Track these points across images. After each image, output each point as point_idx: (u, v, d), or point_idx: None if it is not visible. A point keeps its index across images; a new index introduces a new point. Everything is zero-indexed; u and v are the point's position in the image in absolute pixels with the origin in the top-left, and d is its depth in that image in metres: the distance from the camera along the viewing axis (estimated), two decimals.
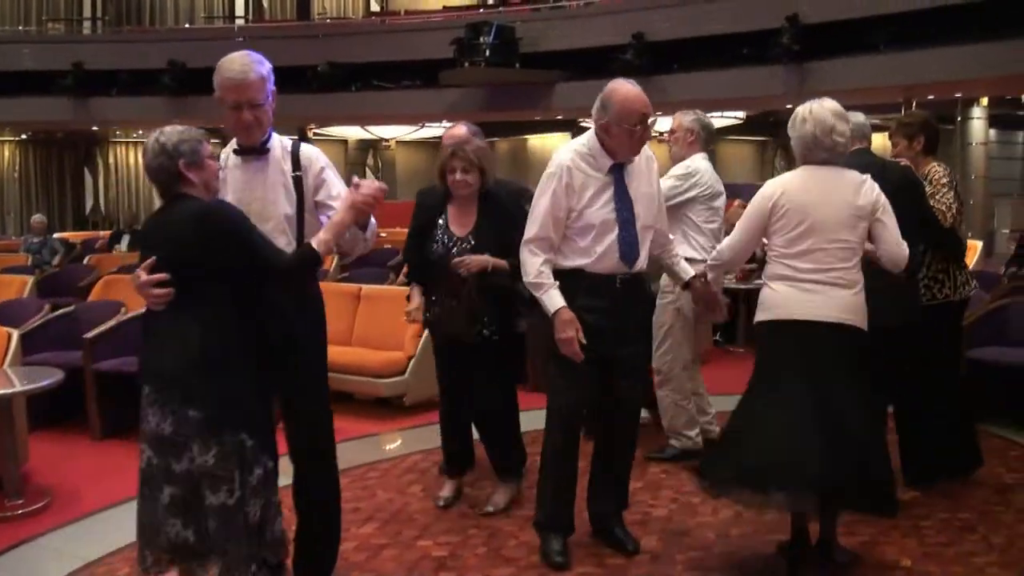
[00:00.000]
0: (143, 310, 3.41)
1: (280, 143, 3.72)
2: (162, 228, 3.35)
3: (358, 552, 4.51)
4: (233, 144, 3.71)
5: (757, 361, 4.18)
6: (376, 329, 7.49)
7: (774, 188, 4.12)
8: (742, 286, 9.01)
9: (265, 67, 3.58)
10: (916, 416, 5.24)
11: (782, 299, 4.04)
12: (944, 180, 5.18)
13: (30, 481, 5.60)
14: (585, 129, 17.66)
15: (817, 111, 4.11)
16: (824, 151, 4.09)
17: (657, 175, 4.39)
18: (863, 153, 4.94)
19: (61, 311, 7.49)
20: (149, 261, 3.27)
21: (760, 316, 4.13)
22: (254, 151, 3.65)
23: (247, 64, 3.51)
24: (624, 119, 4.05)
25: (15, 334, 6.10)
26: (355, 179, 3.56)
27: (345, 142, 26.67)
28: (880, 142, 8.30)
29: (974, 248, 12.22)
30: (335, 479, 3.99)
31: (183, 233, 3.25)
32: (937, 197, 5.11)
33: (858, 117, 5.01)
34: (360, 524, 4.86)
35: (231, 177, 3.65)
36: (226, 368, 3.28)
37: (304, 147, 3.81)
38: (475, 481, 5.39)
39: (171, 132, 3.31)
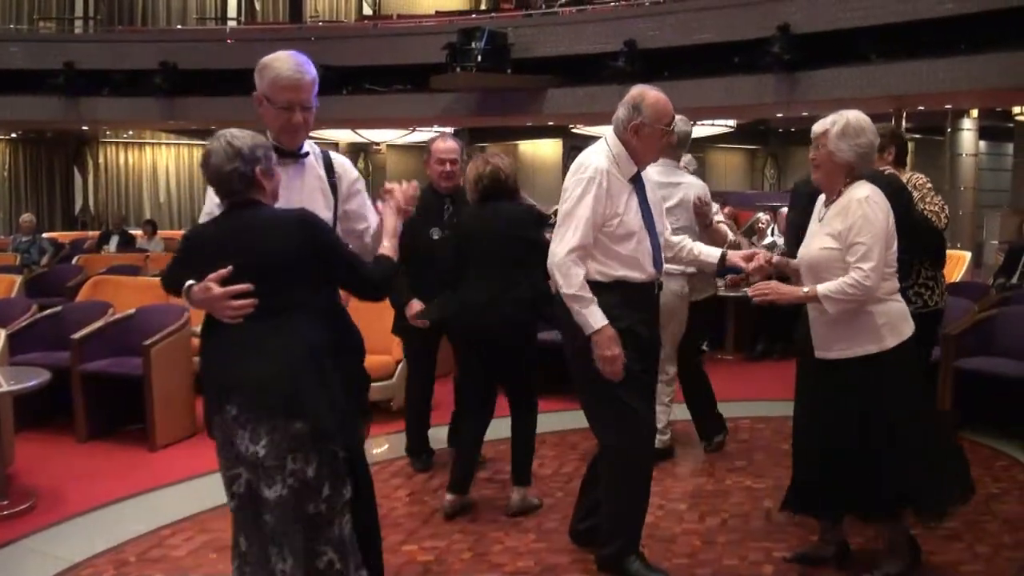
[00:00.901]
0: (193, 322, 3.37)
1: (312, 148, 3.64)
2: (243, 235, 3.16)
3: None
4: None
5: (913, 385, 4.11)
6: (364, 333, 7.43)
7: (884, 199, 4.01)
8: (731, 294, 9.03)
9: (314, 70, 3.54)
10: None
11: (904, 314, 4.06)
12: (929, 185, 5.24)
13: (15, 482, 5.57)
14: (576, 135, 17.75)
15: (869, 122, 4.05)
16: (868, 166, 4.11)
17: (655, 187, 4.38)
18: None
19: (49, 311, 7.47)
20: (223, 272, 3.10)
21: (899, 336, 3.98)
22: (293, 155, 3.51)
23: (301, 65, 3.45)
24: (658, 119, 4.07)
25: (2, 334, 6.07)
26: (387, 184, 3.60)
27: (336, 145, 26.62)
28: None
29: (963, 259, 12.25)
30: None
31: (280, 240, 3.15)
32: (928, 200, 5.14)
33: None
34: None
35: None
36: (329, 377, 3.20)
37: (334, 154, 3.78)
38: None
39: (243, 137, 3.18)
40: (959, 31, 13.39)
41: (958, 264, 11.90)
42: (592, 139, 22.72)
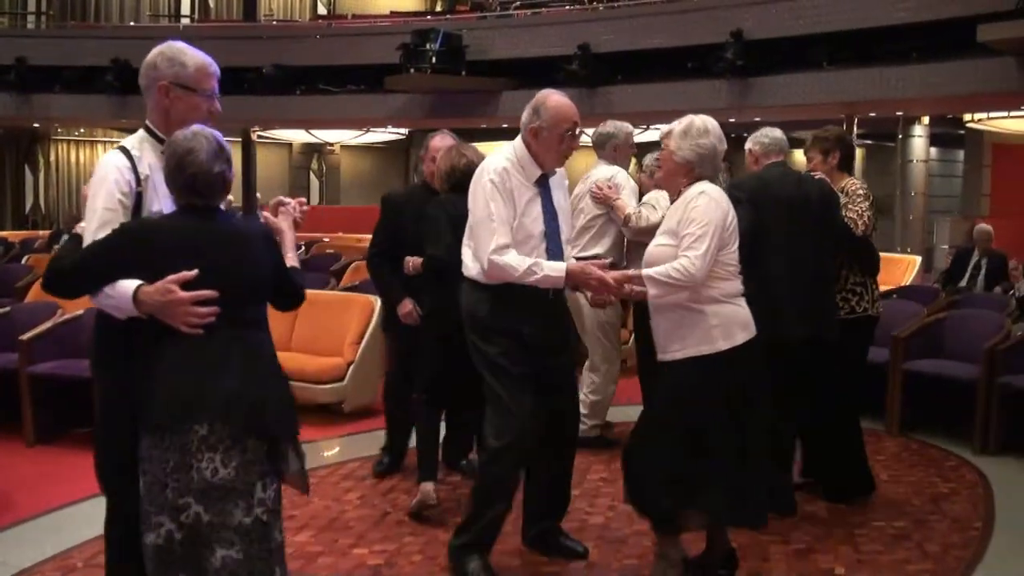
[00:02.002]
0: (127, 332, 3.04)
1: None
2: (223, 243, 3.02)
3: (292, 560, 4.44)
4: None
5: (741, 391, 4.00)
6: (316, 334, 7.43)
7: (724, 199, 3.99)
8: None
9: None
10: (828, 432, 5.29)
11: (743, 320, 3.96)
12: (860, 192, 5.25)
13: None
14: None
15: (717, 126, 4.02)
16: (713, 168, 4.04)
17: (567, 192, 4.41)
18: (779, 166, 5.09)
19: None
20: (187, 275, 2.90)
21: (731, 340, 3.88)
22: None
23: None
24: (556, 124, 4.08)
25: None
26: (280, 197, 3.53)
27: (289, 145, 26.49)
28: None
29: (913, 263, 12.42)
30: None
31: (259, 253, 3.12)
32: (850, 207, 5.17)
33: (775, 132, 5.17)
34: (295, 532, 4.81)
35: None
36: (291, 394, 3.18)
37: None
38: (409, 488, 5.36)
39: (217, 135, 3.08)
40: (911, 39, 13.59)
41: (908, 268, 12.09)
42: None
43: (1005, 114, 17.48)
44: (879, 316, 5.42)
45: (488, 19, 19.06)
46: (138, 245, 2.98)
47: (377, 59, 17.39)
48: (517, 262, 3.96)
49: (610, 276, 3.97)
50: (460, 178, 4.90)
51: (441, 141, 5.38)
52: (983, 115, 18.08)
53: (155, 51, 3.35)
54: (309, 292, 8.28)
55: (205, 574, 2.92)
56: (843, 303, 5.20)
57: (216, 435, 2.90)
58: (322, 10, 27.64)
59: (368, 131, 23.39)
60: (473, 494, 4.30)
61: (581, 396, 5.55)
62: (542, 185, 4.14)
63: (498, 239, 3.98)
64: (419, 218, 5.05)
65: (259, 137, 21.71)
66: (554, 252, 4.12)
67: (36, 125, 22.18)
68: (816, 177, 5.23)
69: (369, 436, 6.59)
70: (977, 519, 5.14)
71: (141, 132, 3.34)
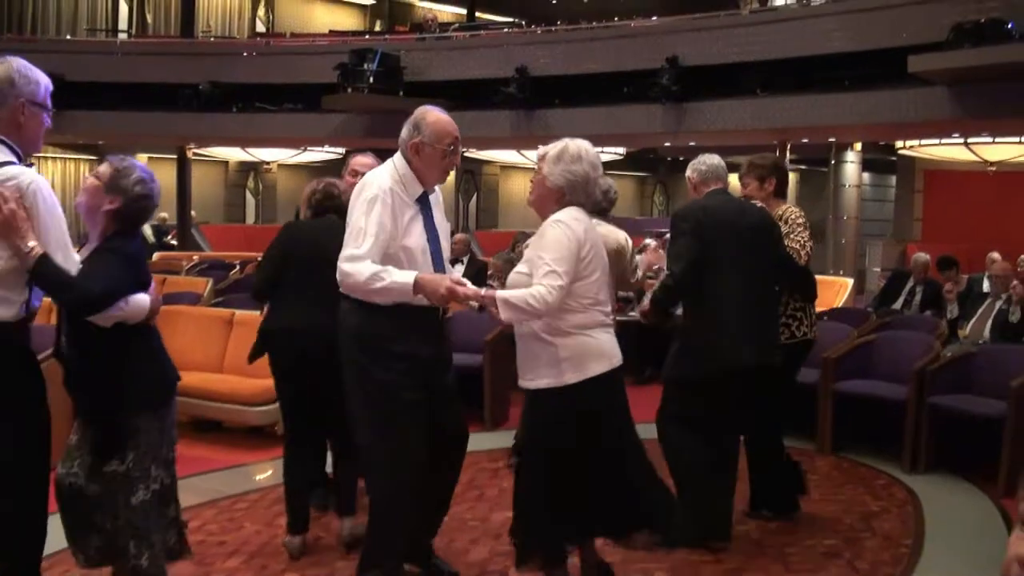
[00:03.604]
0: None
1: None
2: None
3: None
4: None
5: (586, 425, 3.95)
6: (243, 355, 7.30)
7: (581, 227, 3.88)
8: (619, 318, 9.10)
9: None
10: (768, 452, 5.35)
11: (595, 351, 3.90)
12: (800, 220, 5.29)
13: None
14: (469, 159, 17.69)
15: (594, 153, 3.98)
16: (586, 196, 3.96)
17: (443, 211, 4.29)
18: (719, 193, 5.02)
19: None
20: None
21: (582, 373, 3.83)
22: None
23: None
24: (437, 140, 4.01)
25: None
26: None
27: (226, 164, 26.25)
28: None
29: (845, 285, 12.59)
30: None
31: None
32: (792, 236, 5.19)
33: (712, 159, 5.11)
34: (225, 558, 4.74)
35: None
36: None
37: None
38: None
39: None
40: (844, 67, 13.87)
41: (840, 291, 12.24)
42: (485, 163, 22.82)
43: (936, 141, 17.85)
44: (815, 339, 5.50)
45: (427, 40, 19.06)
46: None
47: (315, 78, 17.33)
48: (364, 267, 3.83)
49: (461, 290, 3.76)
50: (321, 200, 4.94)
51: (363, 159, 5.35)
52: (915, 142, 18.45)
53: (8, 67, 3.32)
54: (240, 313, 8.24)
55: (165, 518, 3.73)
56: (784, 328, 5.23)
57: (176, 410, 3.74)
58: (260, 28, 27.52)
59: (305, 150, 23.25)
60: (369, 530, 4.14)
61: None
62: (423, 203, 4.07)
63: (354, 248, 3.87)
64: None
65: (195, 155, 21.49)
66: (439, 270, 4.03)
67: None
68: (758, 205, 5.24)
69: None
70: (907, 536, 5.21)
71: None
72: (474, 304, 3.84)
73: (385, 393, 3.94)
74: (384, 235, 3.89)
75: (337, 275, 3.92)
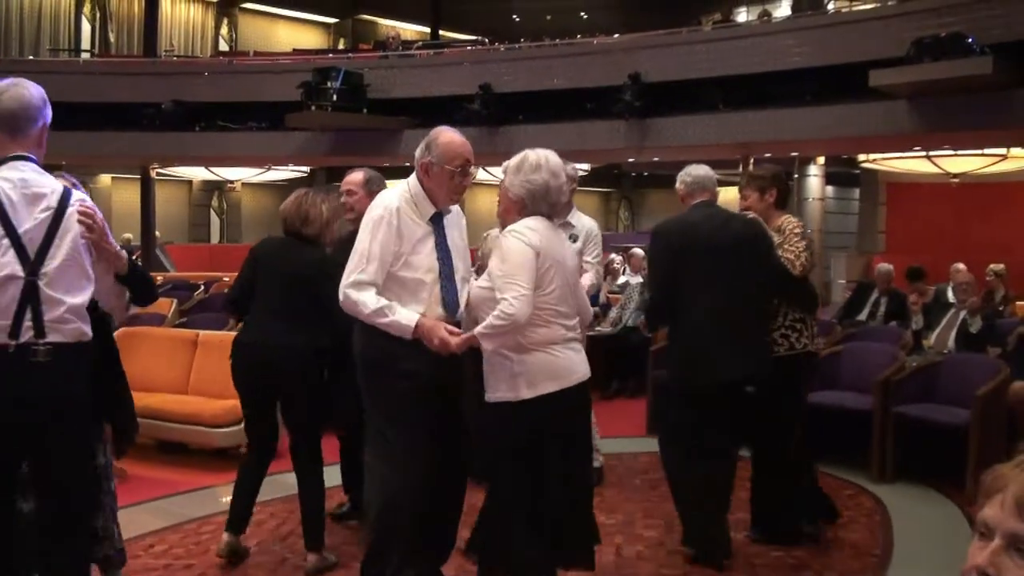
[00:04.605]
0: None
1: None
2: None
3: None
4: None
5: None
6: (213, 376, 7.26)
7: (537, 236, 3.80)
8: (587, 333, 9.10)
9: None
10: (769, 467, 5.23)
11: (552, 368, 3.82)
12: (797, 231, 5.15)
13: None
14: None
15: (555, 162, 3.91)
16: (549, 205, 3.91)
17: (466, 230, 4.28)
18: (705, 206, 4.95)
19: None
20: None
21: (535, 390, 3.76)
22: None
23: None
24: (448, 160, 3.97)
25: None
26: None
27: (190, 183, 26.13)
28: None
29: None
30: None
31: None
32: (786, 247, 5.05)
33: (699, 170, 5.03)
34: None
35: None
36: None
37: None
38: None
39: None
40: (805, 82, 13.99)
41: None
42: None
43: (899, 155, 18.02)
44: (818, 351, 5.39)
45: (390, 58, 19.08)
46: None
47: (278, 96, 17.28)
48: (370, 300, 3.83)
49: (453, 341, 3.77)
50: (282, 222, 4.99)
51: (353, 176, 5.33)
52: (878, 155, 18.62)
53: (38, 88, 3.31)
54: (204, 333, 8.17)
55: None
56: (783, 340, 5.09)
57: None
58: (224, 46, 27.51)
59: (270, 169, 23.18)
60: (371, 549, 4.09)
61: None
62: (436, 223, 4.04)
63: (359, 275, 3.87)
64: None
65: (158, 174, 21.38)
66: (448, 291, 3.99)
67: None
68: (749, 216, 5.15)
69: (268, 480, 6.45)
70: (876, 546, 5.23)
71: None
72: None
73: (389, 412, 3.94)
74: (388, 256, 3.89)
75: (340, 298, 3.90)
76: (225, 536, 4.90)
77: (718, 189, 5.15)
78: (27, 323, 3.07)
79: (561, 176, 3.92)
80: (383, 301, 3.84)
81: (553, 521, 3.82)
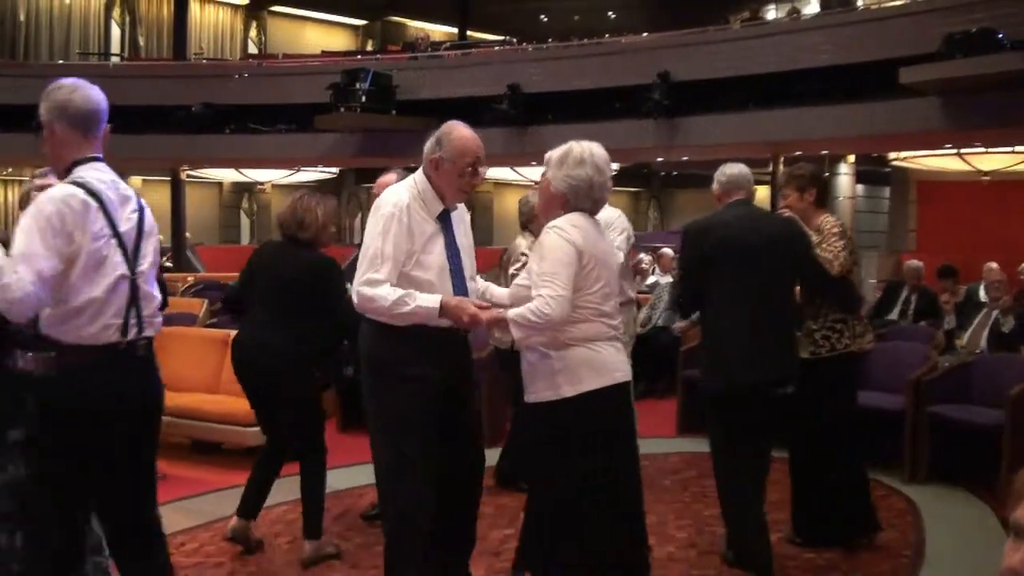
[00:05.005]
0: None
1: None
2: None
3: None
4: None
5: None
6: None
7: (581, 233, 3.69)
8: None
9: None
10: (809, 470, 5.16)
11: (594, 364, 3.70)
12: (836, 230, 5.11)
13: None
14: None
15: (600, 156, 3.80)
16: (592, 202, 3.80)
17: (470, 227, 4.23)
18: (741, 204, 4.88)
19: None
20: None
21: (577, 387, 3.65)
22: None
23: None
24: (459, 157, 3.91)
25: None
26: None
27: (220, 185, 26.28)
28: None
29: None
30: None
31: None
32: (824, 246, 5.01)
33: (734, 168, 4.95)
34: None
35: None
36: None
37: None
38: (341, 531, 5.28)
39: None
40: (834, 80, 13.89)
41: None
42: None
43: (930, 153, 17.87)
44: (864, 351, 5.30)
45: (419, 59, 19.12)
46: None
47: (307, 98, 17.34)
48: (387, 292, 3.76)
49: (484, 315, 3.73)
50: (282, 229, 5.11)
51: (385, 177, 5.38)
52: (908, 153, 18.47)
53: (100, 91, 3.46)
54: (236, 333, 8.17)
55: None
56: (824, 341, 5.05)
57: None
58: (253, 49, 27.62)
59: (299, 170, 23.28)
60: (386, 559, 4.05)
61: None
62: (444, 221, 3.98)
63: (373, 273, 3.79)
64: None
65: (188, 176, 21.50)
66: (459, 289, 3.94)
67: None
68: (785, 215, 5.12)
69: (297, 480, 6.49)
70: (907, 547, 5.21)
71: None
72: (505, 339, 3.81)
73: (396, 417, 3.88)
74: (401, 256, 3.82)
75: (355, 299, 3.86)
76: (234, 520, 5.09)
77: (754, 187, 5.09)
78: (132, 320, 3.23)
79: (606, 171, 3.79)
80: (400, 291, 3.77)
81: (600, 529, 3.68)
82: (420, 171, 4.01)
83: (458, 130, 4.00)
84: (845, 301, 5.16)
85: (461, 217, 4.11)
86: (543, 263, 3.61)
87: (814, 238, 5.05)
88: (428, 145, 3.99)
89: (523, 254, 5.84)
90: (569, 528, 3.66)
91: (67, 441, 3.13)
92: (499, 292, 4.18)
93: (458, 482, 4.05)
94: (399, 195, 3.92)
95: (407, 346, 3.83)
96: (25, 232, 3.03)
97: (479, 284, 4.20)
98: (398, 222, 3.84)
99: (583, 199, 3.73)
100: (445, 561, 4.20)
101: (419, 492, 3.87)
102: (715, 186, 5.00)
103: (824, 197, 5.32)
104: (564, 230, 3.64)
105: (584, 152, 3.74)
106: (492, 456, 6.26)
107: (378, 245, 3.82)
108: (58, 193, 3.12)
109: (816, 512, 5.16)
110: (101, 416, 3.15)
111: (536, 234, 4.55)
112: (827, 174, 19.11)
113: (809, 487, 5.16)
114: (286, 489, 6.15)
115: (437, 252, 3.92)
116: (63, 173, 3.28)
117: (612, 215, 5.94)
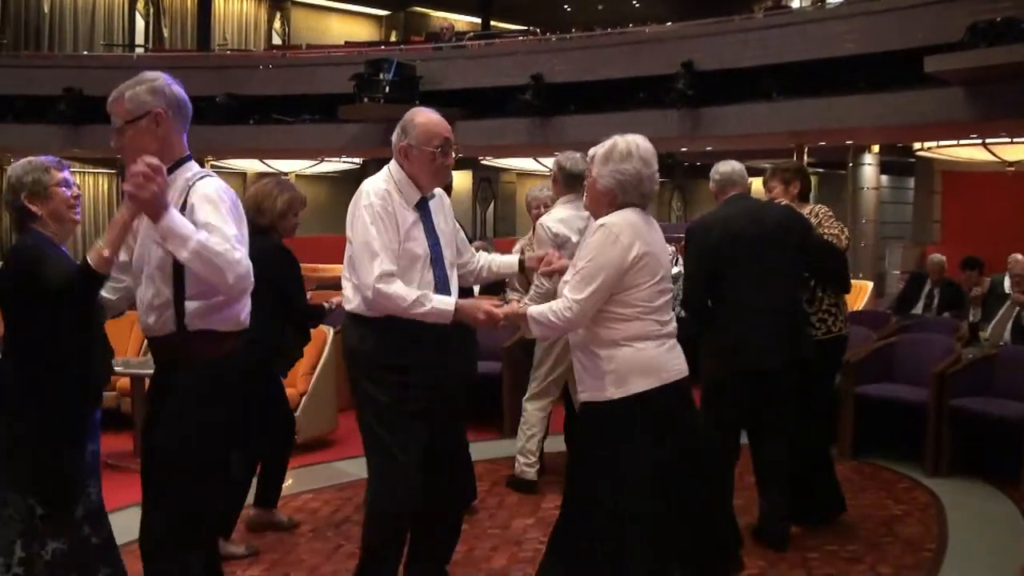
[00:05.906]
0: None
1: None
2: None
3: None
4: None
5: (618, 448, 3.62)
6: None
7: (633, 231, 3.57)
8: None
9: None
10: (796, 453, 5.15)
11: (643, 365, 3.55)
12: (830, 214, 5.39)
13: None
14: (486, 167, 17.72)
15: (645, 149, 3.67)
16: (641, 196, 3.66)
17: (452, 212, 4.19)
18: (739, 198, 5.04)
19: None
20: None
21: (624, 389, 3.51)
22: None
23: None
24: (427, 141, 3.86)
25: None
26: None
27: (244, 175, 26.36)
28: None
29: (865, 288, 12.55)
30: None
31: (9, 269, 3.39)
32: (825, 226, 5.26)
33: (727, 166, 5.12)
34: (247, 566, 4.76)
35: None
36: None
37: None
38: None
39: (15, 166, 3.34)
40: (859, 70, 13.81)
41: (860, 293, 12.20)
42: (502, 171, 22.61)
43: (954, 142, 17.75)
44: (848, 335, 5.55)
45: (443, 50, 19.12)
46: None
47: (331, 89, 17.41)
48: (405, 292, 3.72)
49: (499, 312, 3.71)
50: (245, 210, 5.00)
51: None
52: (933, 143, 18.36)
53: None
54: None
55: None
56: (820, 324, 5.26)
57: None
58: (276, 40, 27.66)
59: (323, 161, 23.33)
60: (360, 556, 4.05)
61: None
62: (422, 209, 3.94)
63: (382, 265, 3.72)
64: None
65: (213, 167, 21.59)
66: (440, 278, 3.91)
67: None
68: (783, 203, 5.27)
69: (322, 468, 6.55)
70: (930, 540, 5.20)
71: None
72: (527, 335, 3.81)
73: (381, 410, 3.86)
74: (395, 245, 3.79)
75: (369, 295, 3.75)
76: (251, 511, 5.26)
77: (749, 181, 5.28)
78: None
79: (653, 164, 3.66)
80: (416, 291, 3.74)
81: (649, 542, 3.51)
82: (392, 162, 3.97)
83: (422, 115, 3.95)
84: (843, 280, 5.47)
85: (440, 203, 4.08)
86: (588, 263, 3.50)
87: (813, 222, 5.23)
88: (395, 135, 3.94)
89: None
90: (610, 543, 3.51)
91: None
92: (502, 260, 4.28)
93: (442, 477, 4.05)
94: (378, 186, 3.89)
95: (389, 338, 3.81)
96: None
97: (481, 259, 4.27)
98: (384, 211, 3.81)
99: (632, 194, 3.61)
100: (423, 561, 4.21)
101: (400, 496, 3.86)
102: (712, 185, 5.19)
103: (807, 190, 5.53)
104: (613, 229, 3.52)
105: (630, 145, 3.62)
106: (510, 447, 6.30)
107: (374, 238, 3.77)
108: None
109: (815, 495, 5.33)
110: None
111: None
112: (851, 164, 19.04)
113: (802, 470, 5.20)
114: (310, 478, 6.22)
115: (418, 240, 3.88)
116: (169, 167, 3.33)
117: None
